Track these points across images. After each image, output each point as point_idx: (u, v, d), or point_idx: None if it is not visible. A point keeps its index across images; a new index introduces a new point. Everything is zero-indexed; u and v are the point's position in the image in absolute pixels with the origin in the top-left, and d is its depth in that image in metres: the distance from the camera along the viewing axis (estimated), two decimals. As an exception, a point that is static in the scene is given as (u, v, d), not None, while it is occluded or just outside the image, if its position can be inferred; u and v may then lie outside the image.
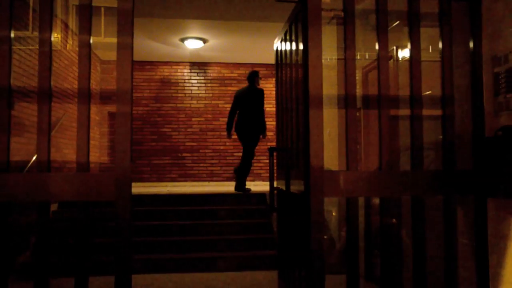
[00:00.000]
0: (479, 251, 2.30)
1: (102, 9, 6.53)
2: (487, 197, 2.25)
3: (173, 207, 6.05)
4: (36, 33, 5.46)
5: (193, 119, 9.96)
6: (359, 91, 4.66)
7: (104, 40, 7.02)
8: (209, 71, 10.08)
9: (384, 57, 2.35)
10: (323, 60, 2.23)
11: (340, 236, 4.78)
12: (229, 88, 9.95)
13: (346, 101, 2.31)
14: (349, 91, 2.31)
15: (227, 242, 5.42)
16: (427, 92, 2.74)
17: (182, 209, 5.97)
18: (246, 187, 6.76)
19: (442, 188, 2.29)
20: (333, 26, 4.47)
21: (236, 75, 10.06)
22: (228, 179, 9.63)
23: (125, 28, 2.13)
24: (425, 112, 2.40)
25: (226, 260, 5.11)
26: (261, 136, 6.85)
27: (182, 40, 8.20)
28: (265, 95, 6.76)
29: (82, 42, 2.16)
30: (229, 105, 7.09)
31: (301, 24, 2.46)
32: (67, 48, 7.25)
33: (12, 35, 2.12)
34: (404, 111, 2.55)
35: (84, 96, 2.13)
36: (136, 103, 9.68)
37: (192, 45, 8.34)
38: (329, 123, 4.84)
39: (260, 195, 6.37)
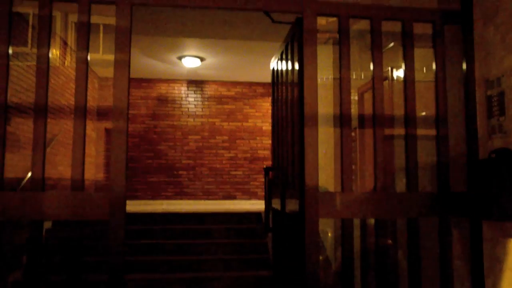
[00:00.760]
0: (474, 273, 2.28)
1: (101, 26, 6.58)
2: (482, 219, 2.25)
3: (168, 225, 5.99)
4: (34, 50, 5.49)
5: (190, 136, 9.96)
6: (354, 111, 4.68)
7: (102, 56, 7.06)
8: (206, 89, 10.13)
9: (379, 77, 2.37)
10: (319, 80, 2.25)
11: (336, 256, 4.74)
12: (225, 106, 9.98)
13: (341, 120, 2.32)
14: (344, 111, 2.32)
15: (222, 262, 5.36)
16: (422, 113, 2.76)
17: (177, 227, 5.92)
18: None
19: (437, 210, 2.29)
20: (329, 46, 4.52)
21: (233, 93, 10.10)
22: (224, 197, 9.59)
23: (123, 46, 2.16)
24: (421, 132, 2.41)
25: (221, 280, 5.05)
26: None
27: (180, 58, 8.25)
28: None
29: (80, 58, 2.17)
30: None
31: (297, 44, 2.49)
32: (65, 65, 7.28)
33: (10, 51, 2.13)
34: (400, 131, 2.57)
35: (80, 114, 2.13)
36: (133, 120, 9.68)
37: (190, 63, 8.39)
38: (325, 142, 4.85)
39: (256, 214, 6.34)
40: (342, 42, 2.35)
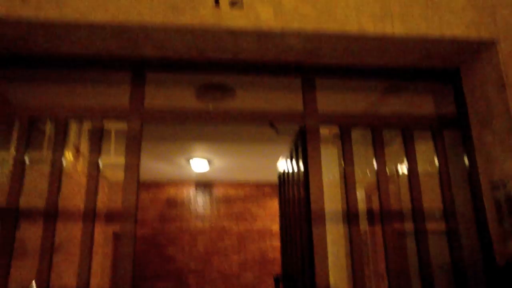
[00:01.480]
0: None
1: (113, 132, 6.86)
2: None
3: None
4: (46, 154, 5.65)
5: (198, 239, 9.80)
6: (363, 209, 4.64)
7: (112, 161, 7.24)
8: (214, 190, 10.19)
9: (384, 178, 2.40)
10: (326, 178, 2.29)
11: None
12: (234, 206, 9.96)
13: (348, 217, 2.31)
14: (351, 209, 2.32)
15: None
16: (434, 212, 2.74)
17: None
18: None
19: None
20: (336, 145, 4.63)
21: (241, 194, 10.14)
22: (234, 303, 9.14)
23: (133, 150, 2.25)
24: (440, 227, 2.37)
25: None
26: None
27: (187, 159, 8.44)
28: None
29: (92, 163, 2.25)
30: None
31: (301, 148, 2.58)
32: (78, 171, 7.45)
33: (27, 161, 2.23)
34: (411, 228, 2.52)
35: (89, 223, 2.15)
36: (141, 224, 9.62)
37: (198, 168, 8.55)
38: (336, 242, 4.74)
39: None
40: (345, 150, 2.44)
